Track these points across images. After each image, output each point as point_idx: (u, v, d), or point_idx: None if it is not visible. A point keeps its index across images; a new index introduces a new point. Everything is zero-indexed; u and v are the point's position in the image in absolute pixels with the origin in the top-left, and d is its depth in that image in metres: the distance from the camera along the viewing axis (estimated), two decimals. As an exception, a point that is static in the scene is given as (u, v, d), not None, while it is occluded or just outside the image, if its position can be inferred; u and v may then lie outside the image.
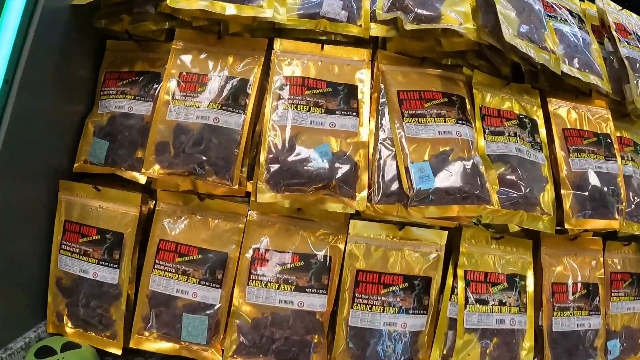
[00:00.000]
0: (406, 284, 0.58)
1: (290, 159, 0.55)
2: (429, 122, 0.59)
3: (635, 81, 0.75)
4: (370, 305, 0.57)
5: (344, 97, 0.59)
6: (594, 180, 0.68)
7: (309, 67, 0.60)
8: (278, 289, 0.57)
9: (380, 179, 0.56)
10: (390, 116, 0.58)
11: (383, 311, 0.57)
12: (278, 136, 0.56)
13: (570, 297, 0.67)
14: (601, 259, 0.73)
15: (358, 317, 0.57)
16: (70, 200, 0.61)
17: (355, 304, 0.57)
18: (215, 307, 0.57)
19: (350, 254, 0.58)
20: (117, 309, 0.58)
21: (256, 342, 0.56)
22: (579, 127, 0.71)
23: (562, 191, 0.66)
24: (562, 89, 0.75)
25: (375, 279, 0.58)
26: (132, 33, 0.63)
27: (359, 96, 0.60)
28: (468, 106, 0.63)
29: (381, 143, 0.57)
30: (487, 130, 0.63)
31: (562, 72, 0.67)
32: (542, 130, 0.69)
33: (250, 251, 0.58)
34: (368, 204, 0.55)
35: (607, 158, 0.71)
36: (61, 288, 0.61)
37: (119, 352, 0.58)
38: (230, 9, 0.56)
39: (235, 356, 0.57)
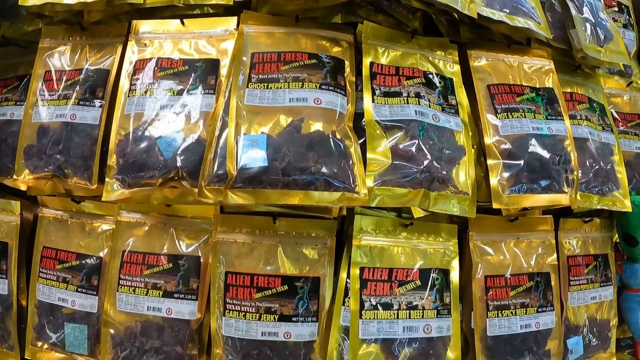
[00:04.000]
0: (286, 287, 0.41)
1: (137, 149, 0.41)
2: (280, 88, 0.40)
3: (582, 25, 0.50)
4: (244, 313, 0.41)
5: (200, 74, 0.43)
6: (531, 145, 0.45)
7: (166, 47, 0.45)
8: (146, 294, 0.43)
9: (213, 159, 0.38)
10: (233, 83, 0.40)
11: (259, 319, 0.41)
12: (127, 126, 0.42)
13: (511, 293, 0.45)
14: (553, 242, 0.49)
15: (231, 325, 0.41)
16: (-37, 212, 0.53)
17: (228, 310, 0.41)
18: (94, 315, 0.45)
19: (218, 253, 0.42)
20: (11, 320, 0.48)
21: (127, 354, 0.43)
22: (510, 82, 0.48)
23: (489, 161, 0.44)
24: (491, 40, 0.52)
25: (247, 282, 0.41)
26: (11, 37, 0.52)
27: (221, 71, 0.43)
28: (347, 70, 0.43)
29: (223, 117, 0.40)
30: (377, 92, 0.43)
31: (480, 15, 0.45)
32: (461, 90, 0.47)
33: (120, 254, 0.45)
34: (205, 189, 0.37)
35: (549, 117, 0.47)
36: (-36, 297, 0.53)
37: (17, 364, 0.49)
38: (68, -4, 0.43)
39: None
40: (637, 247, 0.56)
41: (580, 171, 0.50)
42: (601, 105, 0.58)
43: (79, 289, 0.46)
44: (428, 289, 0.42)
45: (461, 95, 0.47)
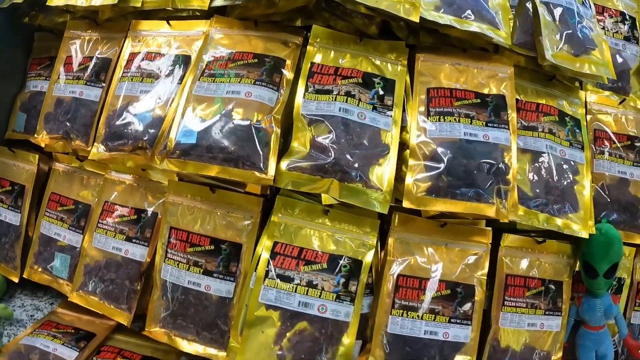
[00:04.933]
0: (212, 247, 0.50)
1: (118, 123, 0.54)
2: (223, 82, 0.50)
3: (551, 31, 0.50)
4: (178, 262, 0.51)
5: (175, 66, 0.55)
6: (458, 150, 0.47)
7: (154, 43, 0.58)
8: (114, 237, 0.56)
9: (166, 134, 0.49)
10: (191, 76, 0.51)
11: (188, 269, 0.50)
12: (116, 104, 0.56)
13: (422, 296, 0.47)
14: (487, 256, 0.50)
15: (168, 271, 0.52)
16: (-4, 160, 0.71)
17: (167, 258, 0.52)
18: (77, 249, 0.60)
19: (167, 211, 0.54)
20: (18, 246, 0.65)
21: (92, 281, 0.56)
22: (454, 87, 0.50)
23: (410, 162, 0.48)
24: (452, 45, 0.54)
25: (184, 237, 0.51)
26: (47, 25, 0.70)
27: (192, 64, 0.54)
28: (287, 68, 0.51)
29: (179, 102, 0.50)
30: (310, 89, 0.49)
31: (424, 19, 0.48)
32: (401, 92, 0.51)
33: (102, 204, 0.59)
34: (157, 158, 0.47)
35: (490, 124, 0.48)
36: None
37: (16, 280, 0.64)
38: (81, 0, 0.58)
39: (79, 291, 0.58)
40: (597, 279, 0.53)
41: (529, 186, 0.49)
42: (576, 120, 0.56)
43: (70, 227, 0.61)
44: (332, 273, 0.47)
45: (400, 97, 0.51)
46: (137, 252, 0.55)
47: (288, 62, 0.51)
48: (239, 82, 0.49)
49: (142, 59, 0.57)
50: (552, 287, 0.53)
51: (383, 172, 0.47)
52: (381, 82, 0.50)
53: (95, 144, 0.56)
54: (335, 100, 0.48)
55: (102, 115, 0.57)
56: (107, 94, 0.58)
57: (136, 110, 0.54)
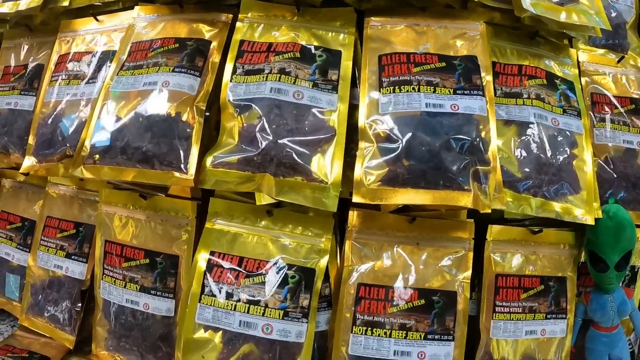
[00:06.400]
0: (147, 260, 0.44)
1: (47, 130, 0.50)
2: (141, 74, 0.43)
3: None
4: (115, 279, 0.46)
5: (100, 64, 0.49)
6: (420, 126, 0.37)
7: (81, 42, 0.53)
8: (55, 254, 0.52)
9: (86, 138, 0.44)
10: (112, 72, 0.46)
11: (125, 287, 0.45)
12: (46, 111, 0.52)
13: (390, 309, 0.39)
14: (470, 255, 0.41)
15: (106, 289, 0.47)
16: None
17: (104, 275, 0.47)
18: (26, 269, 0.56)
19: (101, 223, 0.48)
20: None
21: (38, 302, 0.53)
22: (411, 51, 0.41)
23: (360, 145, 0.38)
24: (411, 5, 0.44)
25: (119, 251, 0.46)
26: None
27: (115, 58, 0.48)
28: (213, 51, 0.43)
29: (99, 102, 0.45)
30: (239, 70, 0.42)
31: None
32: (348, 64, 0.42)
33: (44, 219, 0.55)
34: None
35: (459, 92, 0.38)
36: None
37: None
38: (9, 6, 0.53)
39: (27, 313, 0.54)
40: (607, 273, 0.42)
41: (517, 165, 0.40)
42: (569, 83, 0.46)
43: (18, 246, 0.58)
44: (276, 286, 0.39)
45: (347, 70, 0.42)
46: (77, 269, 0.51)
47: (214, 43, 0.44)
48: (157, 72, 0.43)
49: (70, 61, 0.53)
50: (554, 284, 0.43)
51: (328, 161, 0.38)
52: (323, 55, 0.42)
53: (26, 155, 0.52)
54: (267, 80, 0.41)
55: (32, 125, 0.53)
56: (38, 102, 0.55)
57: (63, 116, 0.50)
